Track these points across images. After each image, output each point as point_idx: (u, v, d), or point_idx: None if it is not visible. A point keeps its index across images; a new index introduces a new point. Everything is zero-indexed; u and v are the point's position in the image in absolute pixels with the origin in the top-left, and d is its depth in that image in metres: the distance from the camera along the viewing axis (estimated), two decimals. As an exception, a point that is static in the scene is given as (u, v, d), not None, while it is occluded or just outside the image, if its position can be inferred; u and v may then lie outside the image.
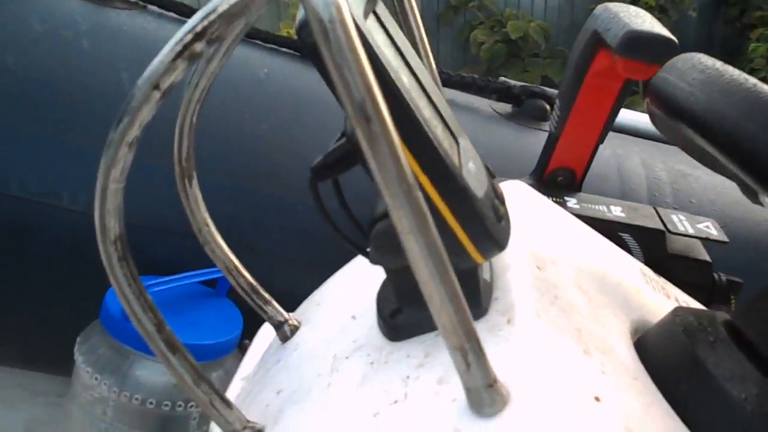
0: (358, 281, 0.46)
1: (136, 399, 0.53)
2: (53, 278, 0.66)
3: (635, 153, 0.78)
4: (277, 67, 0.73)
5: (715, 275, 0.59)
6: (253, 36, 0.78)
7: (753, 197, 0.39)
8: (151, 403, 0.53)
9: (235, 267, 0.43)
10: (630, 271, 0.47)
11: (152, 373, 0.55)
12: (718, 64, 0.33)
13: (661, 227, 0.56)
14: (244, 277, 0.43)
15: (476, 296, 0.32)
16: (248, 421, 0.35)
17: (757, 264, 0.72)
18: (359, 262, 0.50)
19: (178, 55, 0.27)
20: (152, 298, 0.56)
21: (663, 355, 0.35)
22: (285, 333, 0.44)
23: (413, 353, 0.32)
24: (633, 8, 0.48)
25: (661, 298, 0.46)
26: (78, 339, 0.58)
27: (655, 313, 0.43)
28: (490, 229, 0.29)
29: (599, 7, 0.50)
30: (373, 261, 0.32)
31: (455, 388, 0.28)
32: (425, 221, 0.22)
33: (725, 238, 0.57)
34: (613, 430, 0.27)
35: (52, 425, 0.82)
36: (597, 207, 0.56)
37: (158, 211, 0.65)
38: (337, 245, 0.38)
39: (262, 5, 0.26)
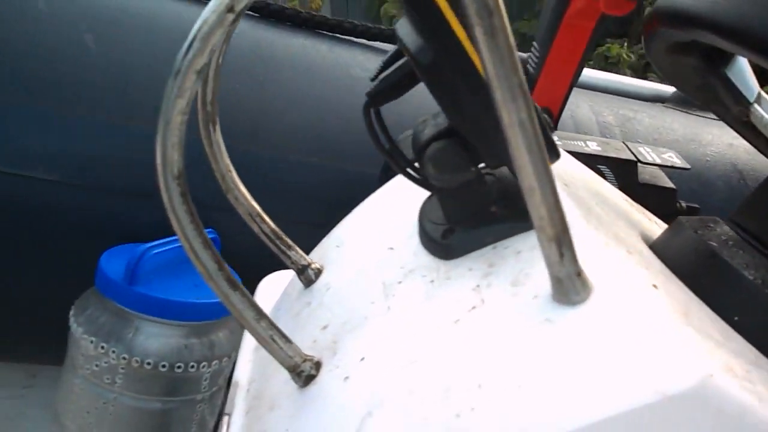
0: (374, 220, 0.47)
1: (148, 364, 0.51)
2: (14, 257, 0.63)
3: (584, 101, 0.83)
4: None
5: (678, 202, 0.64)
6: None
7: (745, 108, 0.43)
8: (164, 366, 0.51)
9: (258, 214, 0.43)
10: (618, 196, 0.50)
11: (159, 336, 0.53)
12: None
13: (633, 158, 0.60)
14: (267, 223, 0.43)
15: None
16: (306, 355, 0.35)
17: (701, 194, 0.77)
18: (365, 207, 0.51)
19: (255, -26, 0.26)
20: (151, 262, 0.55)
21: (680, 255, 0.39)
22: (309, 276, 0.44)
23: (475, 266, 0.33)
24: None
25: (645, 218, 0.50)
26: (72, 311, 0.55)
27: (648, 228, 0.47)
28: (551, 137, 0.31)
29: (575, -52, 0.52)
30: (433, 181, 0.33)
31: (533, 287, 0.30)
32: (533, 115, 0.24)
33: (687, 165, 0.62)
34: (674, 311, 0.30)
35: (18, 420, 0.77)
36: (576, 142, 0.59)
37: (137, 176, 0.62)
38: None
39: None
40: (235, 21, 0.28)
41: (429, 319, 0.32)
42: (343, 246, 0.46)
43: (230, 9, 0.27)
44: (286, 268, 0.47)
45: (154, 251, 0.54)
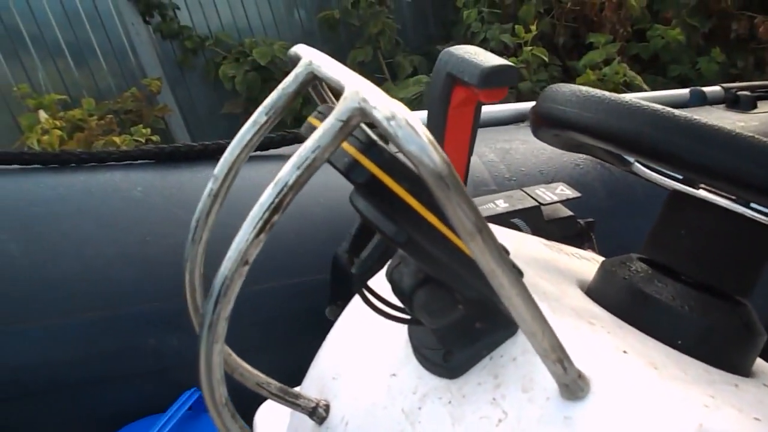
0: (358, 347, 0.52)
1: None
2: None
3: (464, 146, 0.92)
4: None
5: (578, 223, 0.74)
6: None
7: (626, 167, 0.53)
8: None
9: (265, 381, 0.46)
10: (541, 247, 0.59)
11: None
12: (583, 89, 0.45)
13: (535, 203, 0.69)
14: (272, 384, 0.47)
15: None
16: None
17: (585, 200, 0.88)
18: (341, 332, 0.55)
19: (261, 230, 0.31)
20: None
21: (618, 300, 0.47)
22: (321, 414, 0.49)
23: (482, 380, 0.40)
24: (470, 48, 0.60)
25: (566, 258, 0.59)
26: None
27: (576, 268, 0.55)
28: (518, 269, 0.38)
29: (444, 53, 0.60)
30: (428, 325, 0.39)
31: (542, 391, 0.37)
32: (521, 283, 0.30)
33: (578, 194, 0.72)
34: (647, 369, 0.37)
35: None
36: (487, 206, 0.67)
37: (109, 361, 0.63)
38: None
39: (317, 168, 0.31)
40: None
41: (464, 440, 0.38)
42: (340, 378, 0.50)
43: (245, 262, 0.31)
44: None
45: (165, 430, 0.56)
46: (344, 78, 0.32)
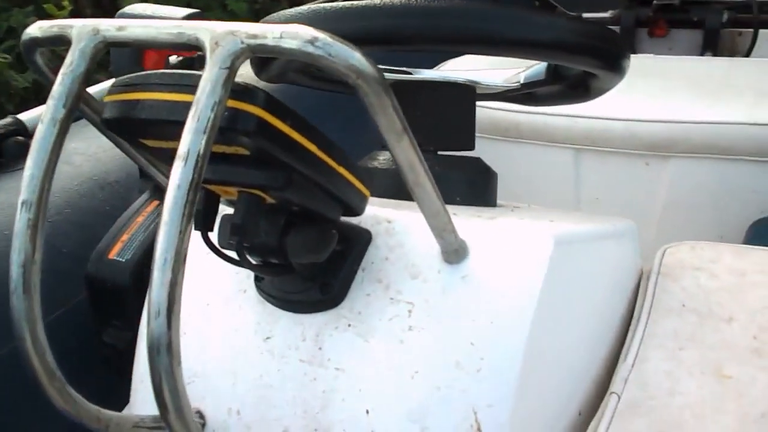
0: (194, 341, 0.47)
1: None
2: None
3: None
4: None
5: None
6: None
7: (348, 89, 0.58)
8: None
9: (139, 418, 0.40)
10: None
11: None
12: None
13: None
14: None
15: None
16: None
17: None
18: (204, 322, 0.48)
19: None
20: None
21: (390, 188, 0.52)
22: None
23: (369, 290, 0.41)
24: (139, 6, 0.55)
25: None
26: None
27: None
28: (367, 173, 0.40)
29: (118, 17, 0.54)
30: (317, 260, 0.39)
31: (429, 269, 0.40)
32: (432, 179, 0.33)
33: None
34: (469, 219, 0.44)
35: None
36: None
37: None
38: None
39: None
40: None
41: (385, 344, 0.40)
42: (197, 378, 0.45)
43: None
44: None
45: None
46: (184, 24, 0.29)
